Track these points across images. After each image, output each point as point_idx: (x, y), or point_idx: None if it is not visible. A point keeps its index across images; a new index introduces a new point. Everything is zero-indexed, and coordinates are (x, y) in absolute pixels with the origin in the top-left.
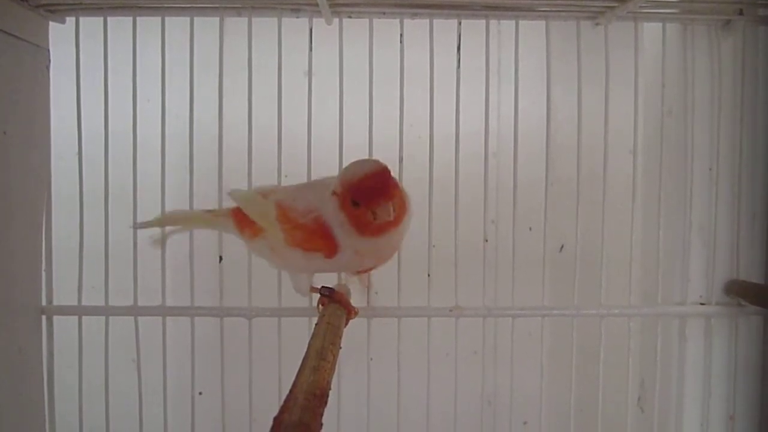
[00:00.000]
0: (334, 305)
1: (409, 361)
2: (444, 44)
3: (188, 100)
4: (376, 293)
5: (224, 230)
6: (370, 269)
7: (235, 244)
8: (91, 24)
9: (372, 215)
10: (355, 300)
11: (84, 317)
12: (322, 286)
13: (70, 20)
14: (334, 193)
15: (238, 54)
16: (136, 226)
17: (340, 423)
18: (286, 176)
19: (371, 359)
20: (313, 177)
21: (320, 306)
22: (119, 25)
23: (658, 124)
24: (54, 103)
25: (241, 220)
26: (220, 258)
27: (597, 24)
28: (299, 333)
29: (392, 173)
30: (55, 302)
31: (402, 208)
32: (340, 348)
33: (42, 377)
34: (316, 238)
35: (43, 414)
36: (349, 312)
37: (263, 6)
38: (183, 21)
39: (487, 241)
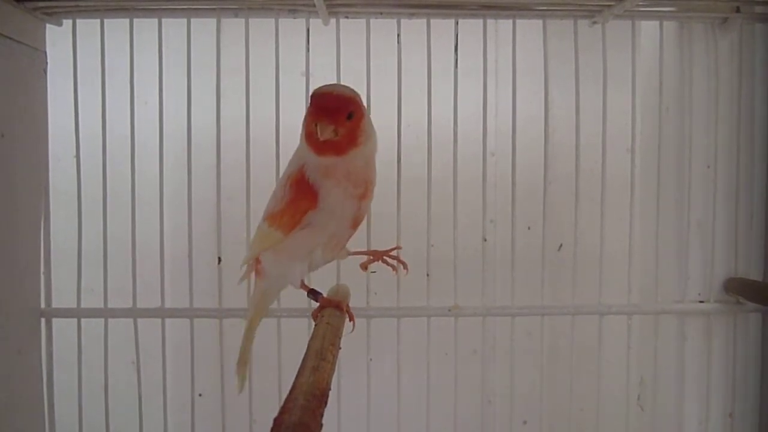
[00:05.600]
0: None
1: (409, 361)
2: (441, 44)
3: (186, 102)
4: (375, 293)
5: (271, 292)
6: (359, 219)
7: (234, 245)
8: (88, 26)
9: (317, 131)
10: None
11: (83, 319)
12: (310, 289)
13: (67, 23)
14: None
15: (236, 55)
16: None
17: (340, 423)
18: None
19: (371, 359)
20: None
21: (314, 318)
22: (116, 27)
23: (655, 123)
24: (51, 105)
25: (256, 269)
26: (219, 259)
27: (594, 23)
28: (299, 334)
29: (355, 102)
30: (54, 305)
31: (353, 137)
32: (340, 348)
33: (41, 380)
34: (295, 201)
35: (42, 416)
36: (341, 309)
37: (260, 7)
38: (180, 22)
39: (485, 240)
